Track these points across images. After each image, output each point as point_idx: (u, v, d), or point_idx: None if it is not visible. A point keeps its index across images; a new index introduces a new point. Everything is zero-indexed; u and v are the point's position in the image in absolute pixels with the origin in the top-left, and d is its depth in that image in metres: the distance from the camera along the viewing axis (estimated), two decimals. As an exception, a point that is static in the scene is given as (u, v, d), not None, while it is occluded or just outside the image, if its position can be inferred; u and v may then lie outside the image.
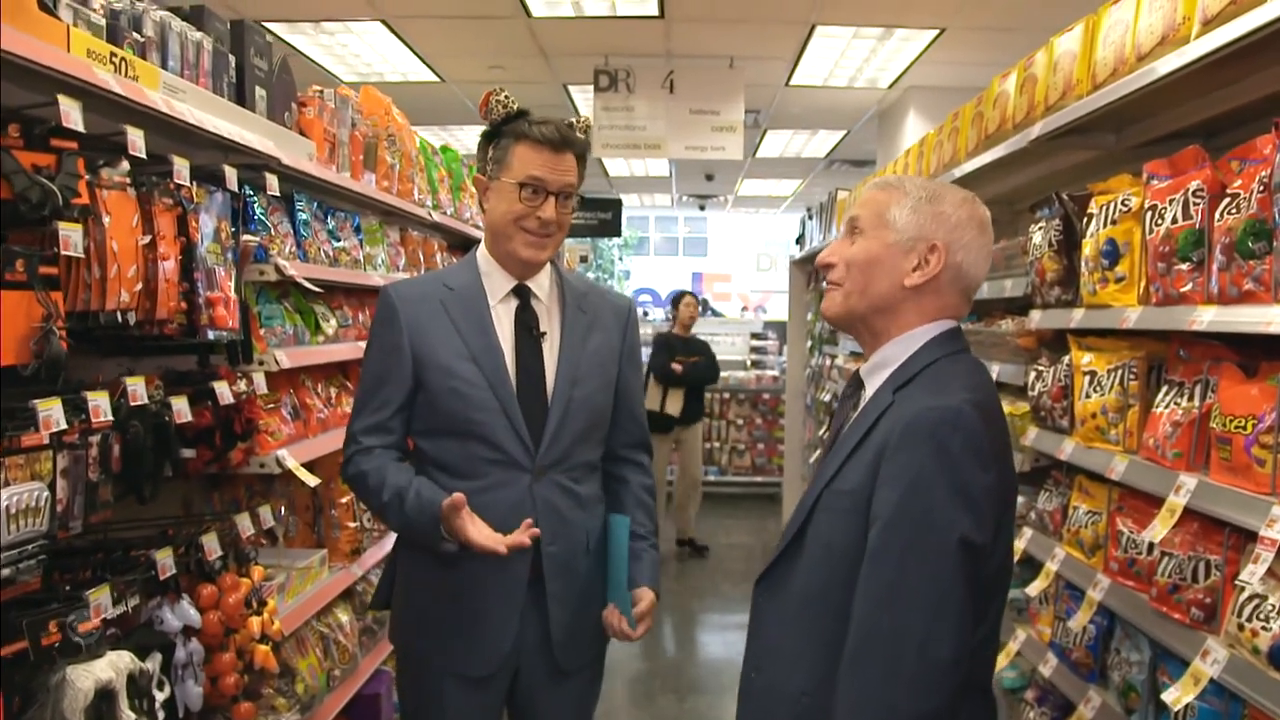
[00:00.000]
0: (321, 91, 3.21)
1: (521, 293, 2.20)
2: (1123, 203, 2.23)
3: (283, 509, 3.12)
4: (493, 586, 2.14)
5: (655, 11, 6.15)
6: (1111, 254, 2.25)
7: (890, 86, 7.75)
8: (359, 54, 7.14)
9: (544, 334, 2.19)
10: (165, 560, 2.12)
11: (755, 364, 11.40)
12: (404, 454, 2.25)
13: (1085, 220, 2.42)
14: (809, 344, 7.78)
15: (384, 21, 6.37)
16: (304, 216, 3.00)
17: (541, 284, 2.23)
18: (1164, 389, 2.13)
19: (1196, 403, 1.99)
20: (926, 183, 1.65)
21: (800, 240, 8.18)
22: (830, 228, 6.58)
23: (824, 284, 1.72)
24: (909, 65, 7.11)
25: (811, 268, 7.59)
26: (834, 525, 1.56)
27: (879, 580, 1.46)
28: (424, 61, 7.30)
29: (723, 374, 9.98)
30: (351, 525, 3.32)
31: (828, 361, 6.77)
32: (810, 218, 7.71)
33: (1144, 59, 2.15)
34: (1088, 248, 2.37)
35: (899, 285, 1.59)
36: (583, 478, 2.23)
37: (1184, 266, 1.95)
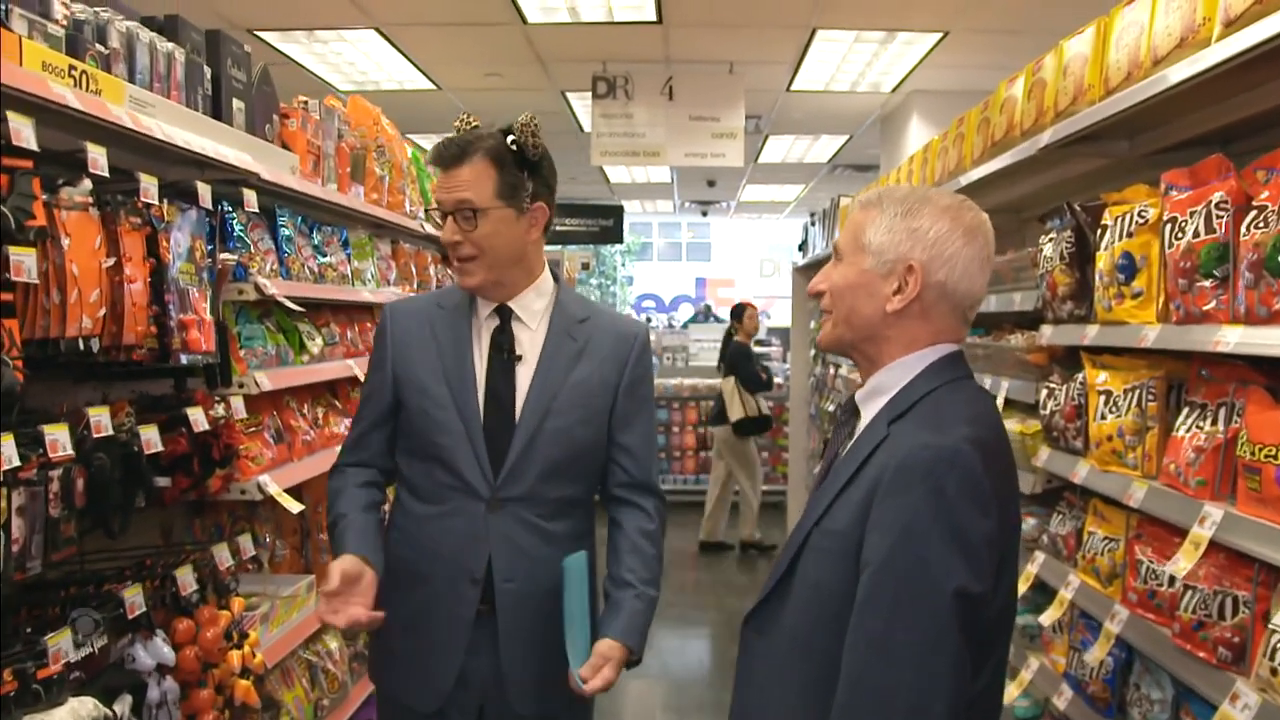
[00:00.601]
0: (306, 102, 3.11)
1: (502, 313, 2.10)
2: (1139, 214, 2.12)
3: (268, 534, 3.02)
4: (438, 619, 2.05)
5: (653, 17, 6.06)
6: (1128, 268, 2.14)
7: (893, 91, 7.65)
8: (353, 62, 7.05)
9: (519, 357, 2.07)
10: (134, 598, 2.02)
11: (759, 371, 11.29)
12: (381, 473, 2.19)
13: (1099, 232, 2.31)
14: (813, 352, 7.67)
15: (378, 29, 6.28)
16: (287, 232, 2.90)
17: (530, 306, 2.11)
18: (1185, 411, 2.02)
19: (1221, 427, 1.88)
20: (909, 194, 1.52)
21: (803, 247, 8.08)
22: (833, 234, 6.48)
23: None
24: (912, 69, 7.01)
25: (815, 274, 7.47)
26: (822, 566, 1.47)
27: (868, 631, 1.36)
28: (419, 69, 7.21)
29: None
30: (339, 550, 3.21)
31: (832, 371, 6.66)
32: (813, 224, 7.60)
33: (1160, 63, 2.04)
34: (1102, 261, 2.26)
35: (881, 311, 1.50)
36: (556, 514, 2.08)
37: (1207, 283, 1.84)
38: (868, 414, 1.55)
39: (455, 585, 2.03)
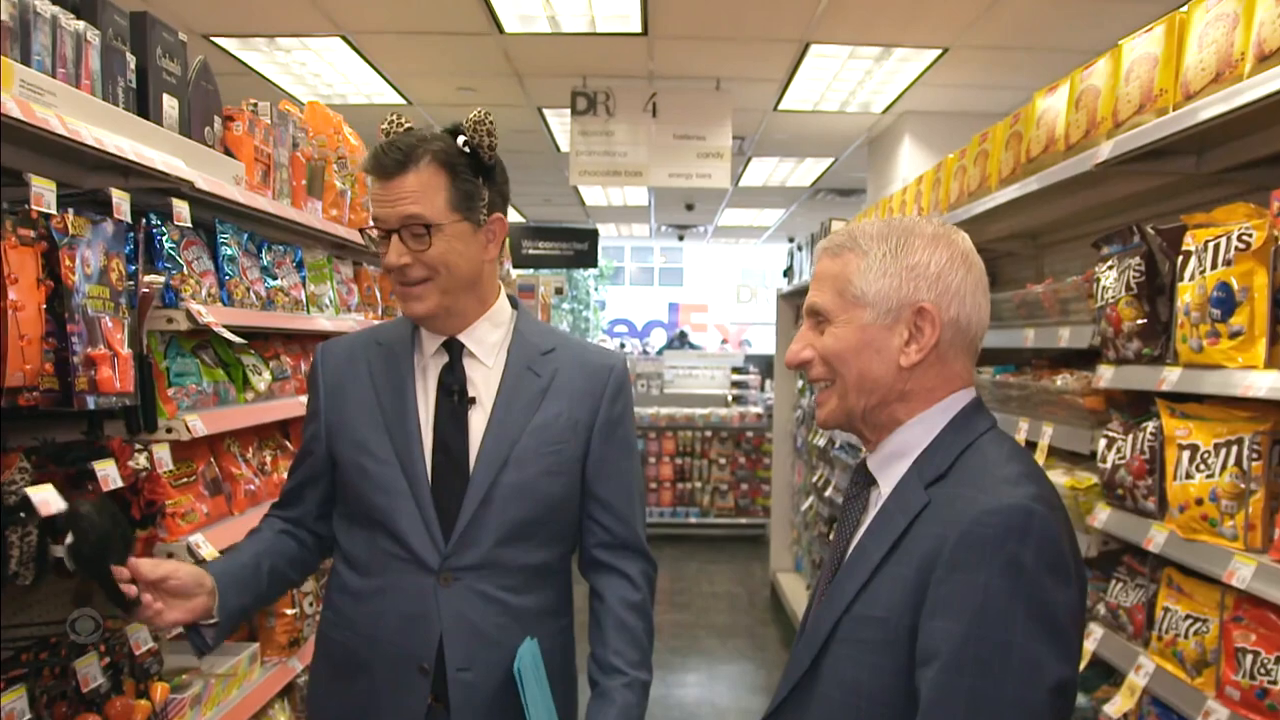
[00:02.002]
0: (255, 105, 2.74)
1: (451, 348, 1.75)
2: (1240, 238, 1.79)
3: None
4: (383, 715, 1.70)
5: (638, 28, 5.73)
6: (1225, 302, 1.80)
7: (884, 111, 7.38)
8: (319, 73, 6.67)
9: (471, 400, 1.73)
10: (15, 704, 1.62)
11: (737, 399, 10.98)
12: (312, 535, 1.87)
13: (1180, 259, 1.98)
14: (799, 383, 7.33)
15: (344, 38, 5.91)
16: (229, 251, 2.51)
17: (484, 339, 1.77)
18: (1301, 474, 1.69)
19: (1359, 497, 1.55)
20: (886, 228, 1.33)
21: (788, 273, 7.76)
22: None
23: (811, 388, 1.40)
24: (906, 88, 6.73)
25: (801, 302, 7.16)
26: (861, 662, 1.26)
27: None
28: (389, 82, 6.84)
29: (703, 411, 9.62)
30: (289, 613, 2.82)
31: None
32: (799, 249, 7.29)
33: (1271, 57, 1.71)
34: (1188, 294, 1.92)
35: (895, 368, 1.31)
36: (523, 586, 1.74)
37: (1347, 322, 1.51)
38: (888, 481, 1.34)
39: (400, 675, 1.69)
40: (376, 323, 2.67)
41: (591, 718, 1.73)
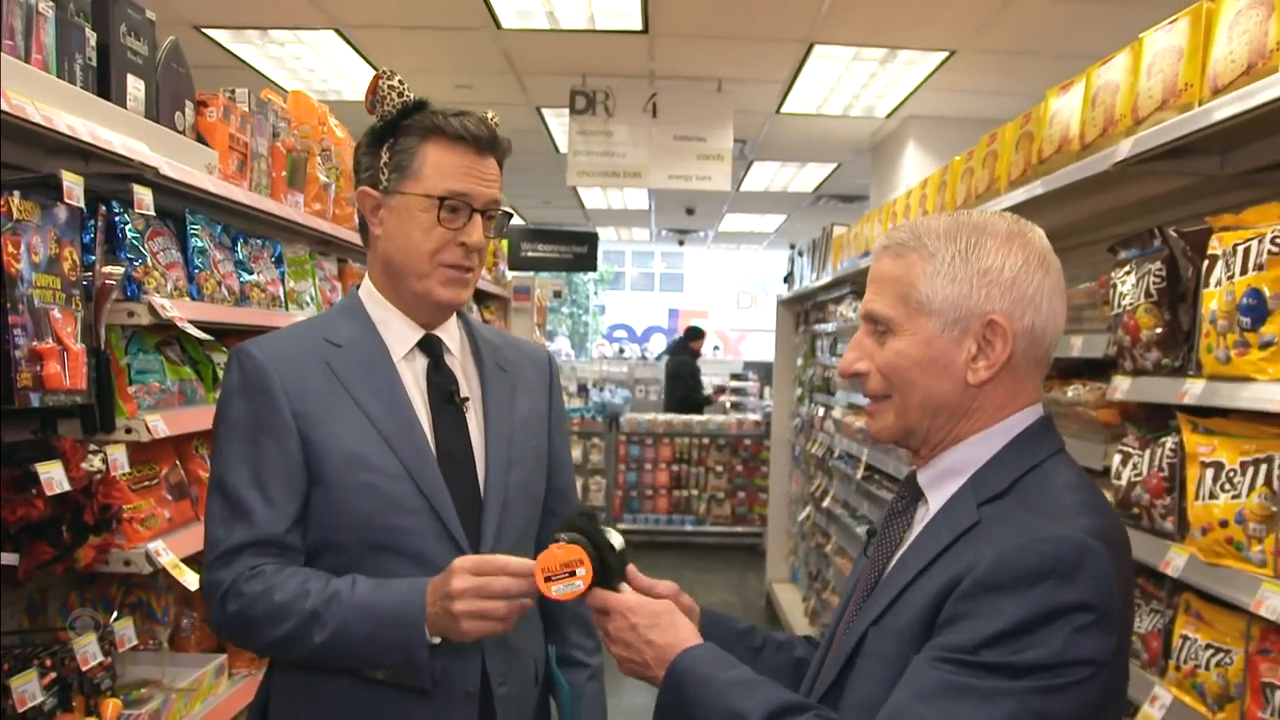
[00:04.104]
0: (232, 91, 2.62)
1: (431, 347, 1.63)
2: (1273, 241, 1.67)
3: (170, 604, 2.48)
4: None
5: (639, 26, 5.63)
6: (1256, 310, 1.68)
7: (888, 116, 7.28)
8: (313, 68, 6.57)
9: (466, 400, 1.63)
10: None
11: (735, 406, 10.88)
12: None
13: (1205, 264, 1.86)
14: (798, 391, 7.21)
15: (338, 31, 5.80)
16: (200, 243, 2.39)
17: (452, 334, 1.67)
18: (1338, 496, 1.56)
19: (1403, 523, 1.42)
20: (949, 225, 1.21)
21: (789, 279, 7.64)
22: (825, 266, 6.04)
23: (864, 400, 1.29)
24: (911, 92, 6.63)
25: (802, 309, 7.05)
26: (875, 677, 1.17)
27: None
28: (385, 78, 6.73)
29: (701, 418, 9.53)
30: (260, 622, 2.68)
31: (820, 411, 6.20)
32: (800, 255, 7.18)
33: (1309, 48, 1.59)
34: (1214, 300, 1.80)
35: (962, 384, 1.19)
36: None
37: (1395, 333, 1.38)
38: (939, 498, 1.23)
39: (444, 707, 1.53)
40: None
41: (567, 716, 1.72)
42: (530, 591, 1.37)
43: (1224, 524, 1.77)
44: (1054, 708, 1.04)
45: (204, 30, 5.71)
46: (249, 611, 1.46)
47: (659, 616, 1.31)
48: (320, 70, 6.63)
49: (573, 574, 1.32)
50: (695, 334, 11.05)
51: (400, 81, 1.58)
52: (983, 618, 1.06)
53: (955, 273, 1.17)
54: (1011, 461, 1.19)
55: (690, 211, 12.79)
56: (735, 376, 11.51)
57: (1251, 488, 1.73)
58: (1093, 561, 1.06)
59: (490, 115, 1.65)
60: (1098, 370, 2.35)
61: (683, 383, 10.37)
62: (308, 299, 3.05)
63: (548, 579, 1.33)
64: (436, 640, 1.42)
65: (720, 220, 13.79)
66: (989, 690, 1.04)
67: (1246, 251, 1.73)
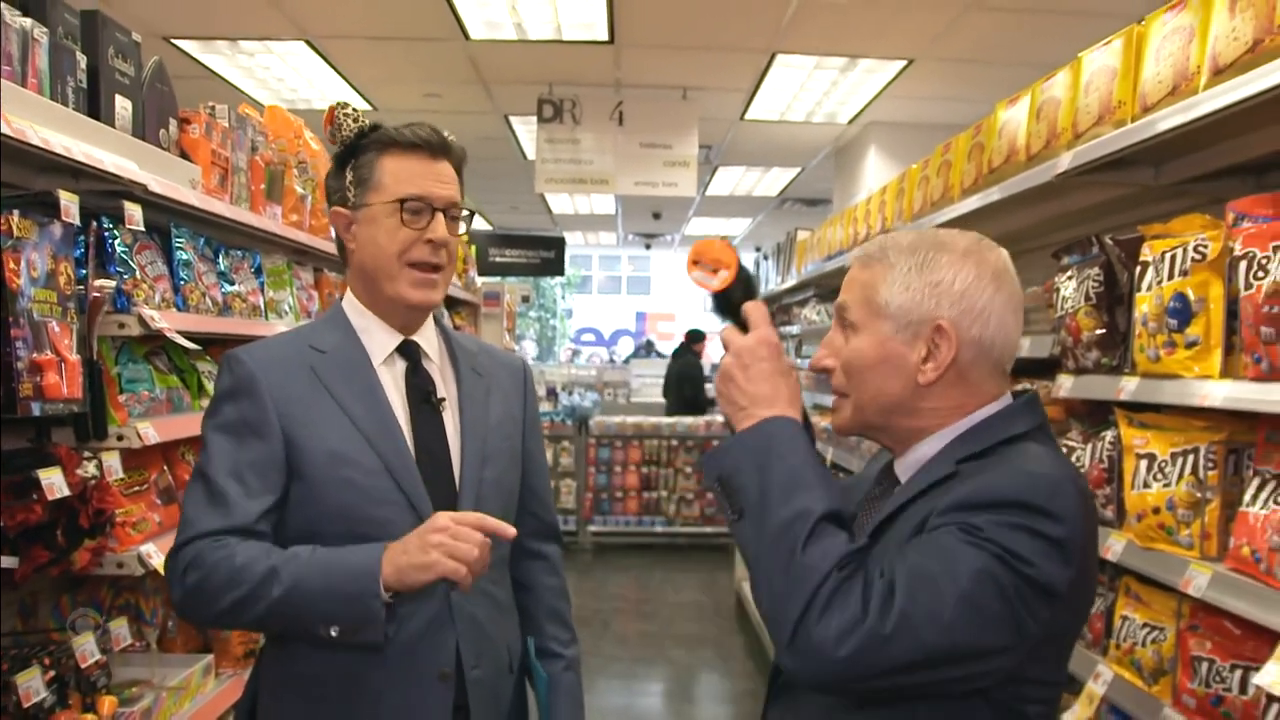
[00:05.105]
0: (213, 108, 2.69)
1: (409, 352, 1.73)
2: (1196, 249, 1.81)
3: (158, 606, 2.56)
4: None
5: (605, 36, 5.73)
6: (1181, 313, 1.82)
7: (850, 122, 7.43)
8: (282, 78, 6.61)
9: (442, 400, 1.73)
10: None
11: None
12: None
13: (1138, 270, 1.99)
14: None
15: (308, 42, 5.85)
16: (184, 256, 2.47)
17: (429, 340, 1.77)
18: (1256, 483, 1.70)
19: (1312, 506, 1.56)
20: (916, 240, 1.32)
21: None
22: (789, 270, 6.18)
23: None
24: (871, 99, 6.78)
25: (769, 309, 7.18)
26: None
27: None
28: (354, 88, 6.79)
29: (669, 420, 9.61)
30: (245, 623, 2.76)
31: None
32: (765, 259, 7.31)
33: (1224, 71, 1.73)
34: (1146, 304, 1.94)
35: (913, 384, 1.29)
36: (500, 579, 1.79)
37: (1301, 333, 1.52)
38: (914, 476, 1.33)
39: (418, 688, 1.63)
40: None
41: (544, 705, 1.81)
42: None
43: (1156, 511, 1.91)
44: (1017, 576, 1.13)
45: (173, 41, 5.74)
46: (209, 579, 1.52)
47: (790, 373, 1.32)
48: (290, 80, 6.67)
49: (715, 272, 1.34)
50: (697, 337, 10.95)
51: (355, 109, 1.69)
52: (957, 524, 1.16)
53: (910, 282, 1.28)
54: (993, 427, 1.27)
55: (657, 216, 12.90)
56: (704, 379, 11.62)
57: (1180, 477, 1.86)
58: (1066, 492, 1.16)
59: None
60: (1045, 369, 2.48)
61: (690, 384, 10.31)
62: (286, 308, 3.13)
63: (695, 262, 1.35)
64: (389, 597, 1.48)
65: (687, 224, 13.90)
66: (963, 542, 1.14)
67: (1173, 258, 1.87)
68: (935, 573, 1.12)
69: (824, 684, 1.15)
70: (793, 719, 1.35)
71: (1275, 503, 1.64)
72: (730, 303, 1.35)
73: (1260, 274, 1.61)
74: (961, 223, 3.02)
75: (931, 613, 1.09)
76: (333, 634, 1.51)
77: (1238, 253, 1.68)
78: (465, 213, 1.74)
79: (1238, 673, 1.72)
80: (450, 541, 1.45)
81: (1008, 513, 1.15)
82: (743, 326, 1.33)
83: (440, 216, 1.67)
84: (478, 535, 1.47)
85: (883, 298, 1.29)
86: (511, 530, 1.50)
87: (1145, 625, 1.99)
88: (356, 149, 1.68)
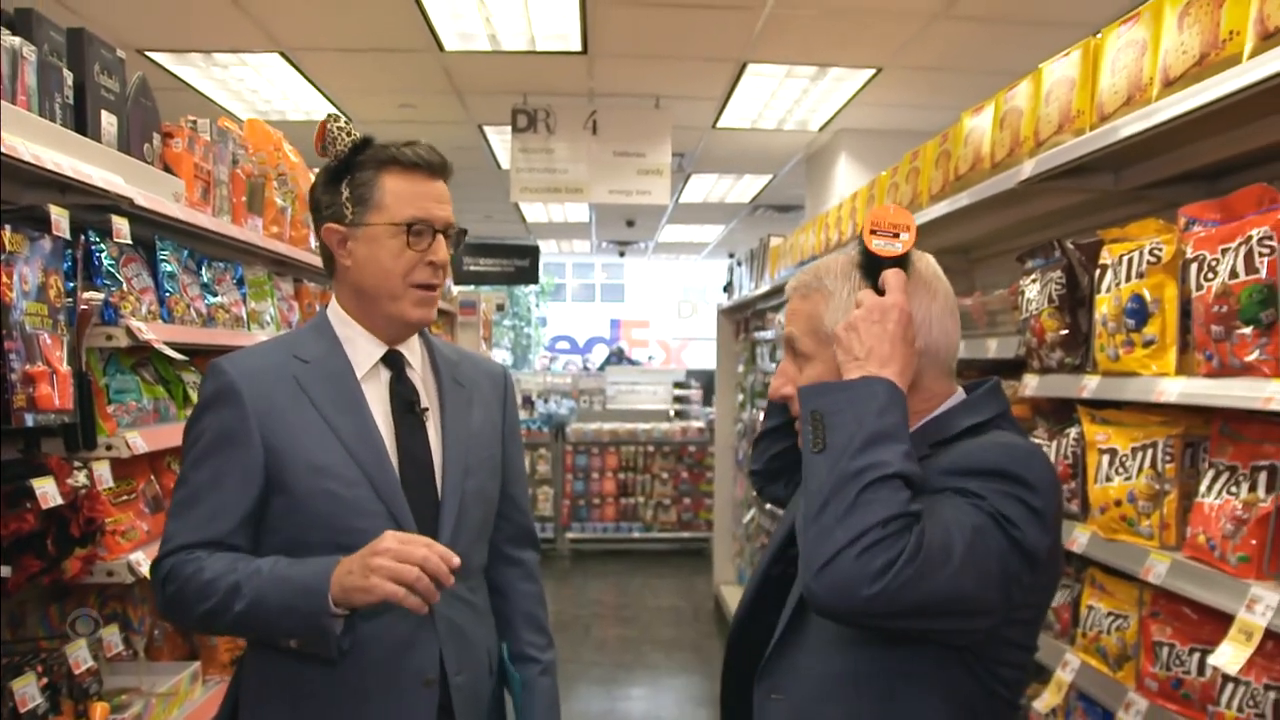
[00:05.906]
0: (194, 122, 2.73)
1: (394, 362, 1.75)
2: (1151, 252, 1.89)
3: (145, 615, 2.59)
4: None
5: (578, 47, 5.79)
6: (1139, 313, 1.90)
7: (821, 129, 7.52)
8: (256, 89, 6.62)
9: (426, 410, 1.75)
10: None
11: (679, 414, 11.04)
12: None
13: (1097, 272, 2.08)
14: (740, 397, 7.42)
15: (283, 54, 5.87)
16: (169, 268, 2.51)
17: (413, 350, 1.80)
18: (1210, 474, 1.78)
19: (1262, 494, 1.64)
20: (845, 266, 1.39)
21: (729, 288, 7.85)
22: (763, 276, 6.25)
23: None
24: (841, 107, 6.88)
25: (742, 317, 7.26)
26: None
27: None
28: (329, 99, 6.81)
29: (645, 426, 9.67)
30: (231, 631, 2.79)
31: (761, 416, 6.41)
32: (739, 265, 7.39)
33: (1175, 83, 1.81)
34: (1105, 305, 2.02)
35: None
36: (478, 585, 1.83)
37: (1248, 331, 1.60)
38: None
39: (400, 694, 1.65)
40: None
41: (520, 708, 1.83)
42: (447, 581, 1.46)
43: (1118, 503, 1.99)
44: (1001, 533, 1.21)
45: (147, 54, 5.75)
46: (183, 591, 1.57)
47: (911, 344, 1.33)
48: (264, 91, 6.68)
49: (897, 236, 1.35)
50: None
51: (347, 122, 1.69)
52: (954, 489, 1.24)
53: (849, 307, 1.35)
54: (955, 417, 1.35)
55: (630, 223, 12.96)
56: (678, 385, 11.68)
57: (1140, 470, 1.95)
58: (1041, 468, 1.24)
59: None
60: (1011, 370, 2.56)
61: None
62: (268, 318, 3.17)
63: (874, 231, 1.35)
64: (342, 612, 1.50)
65: (660, 231, 13.97)
66: (966, 504, 1.22)
67: (1130, 261, 1.95)
68: (949, 525, 1.19)
69: (840, 615, 1.20)
70: (793, 681, 1.39)
71: (1228, 493, 1.72)
72: (875, 268, 1.36)
73: (1210, 275, 1.69)
74: (930, 228, 3.10)
75: (946, 563, 1.16)
76: (293, 645, 1.56)
77: (1189, 256, 1.76)
78: (458, 229, 1.77)
79: (1196, 655, 1.80)
80: (391, 564, 1.44)
81: (995, 480, 1.22)
82: (879, 292, 1.34)
83: (441, 238, 1.69)
84: (420, 551, 1.45)
85: (828, 325, 1.36)
86: (456, 559, 1.48)
87: (1110, 614, 2.07)
88: (351, 164, 1.68)
